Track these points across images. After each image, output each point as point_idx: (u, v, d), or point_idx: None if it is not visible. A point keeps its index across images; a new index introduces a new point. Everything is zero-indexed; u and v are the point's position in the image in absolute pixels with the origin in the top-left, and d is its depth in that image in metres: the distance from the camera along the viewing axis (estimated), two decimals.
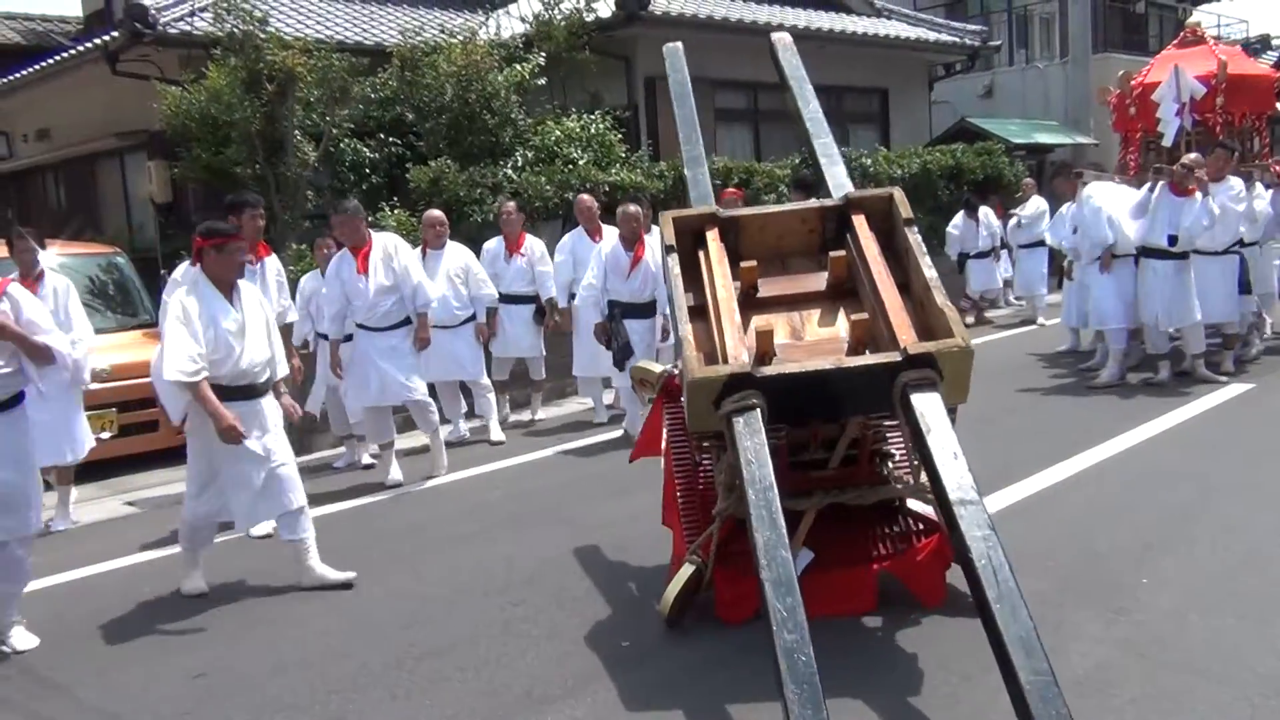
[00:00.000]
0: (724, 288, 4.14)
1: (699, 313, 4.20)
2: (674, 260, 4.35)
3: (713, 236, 4.42)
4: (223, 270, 4.87)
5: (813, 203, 4.76)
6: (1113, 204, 8.73)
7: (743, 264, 4.31)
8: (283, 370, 5.27)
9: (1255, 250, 9.06)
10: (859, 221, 4.39)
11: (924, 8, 20.75)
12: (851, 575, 4.29)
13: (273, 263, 6.38)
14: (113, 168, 14.07)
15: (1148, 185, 8.45)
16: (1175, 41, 10.84)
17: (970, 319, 13.13)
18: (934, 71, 18.29)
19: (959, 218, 13.01)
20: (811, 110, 5.13)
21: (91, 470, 7.65)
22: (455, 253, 8.02)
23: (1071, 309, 9.92)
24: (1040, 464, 6.25)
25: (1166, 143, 9.52)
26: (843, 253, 4.34)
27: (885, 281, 4.07)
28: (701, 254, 4.40)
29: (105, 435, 7.82)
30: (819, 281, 4.40)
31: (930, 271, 4.07)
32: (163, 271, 10.57)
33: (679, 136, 5.25)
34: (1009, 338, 11.85)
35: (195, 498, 4.99)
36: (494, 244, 8.73)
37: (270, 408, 5.05)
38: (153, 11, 11.08)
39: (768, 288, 4.37)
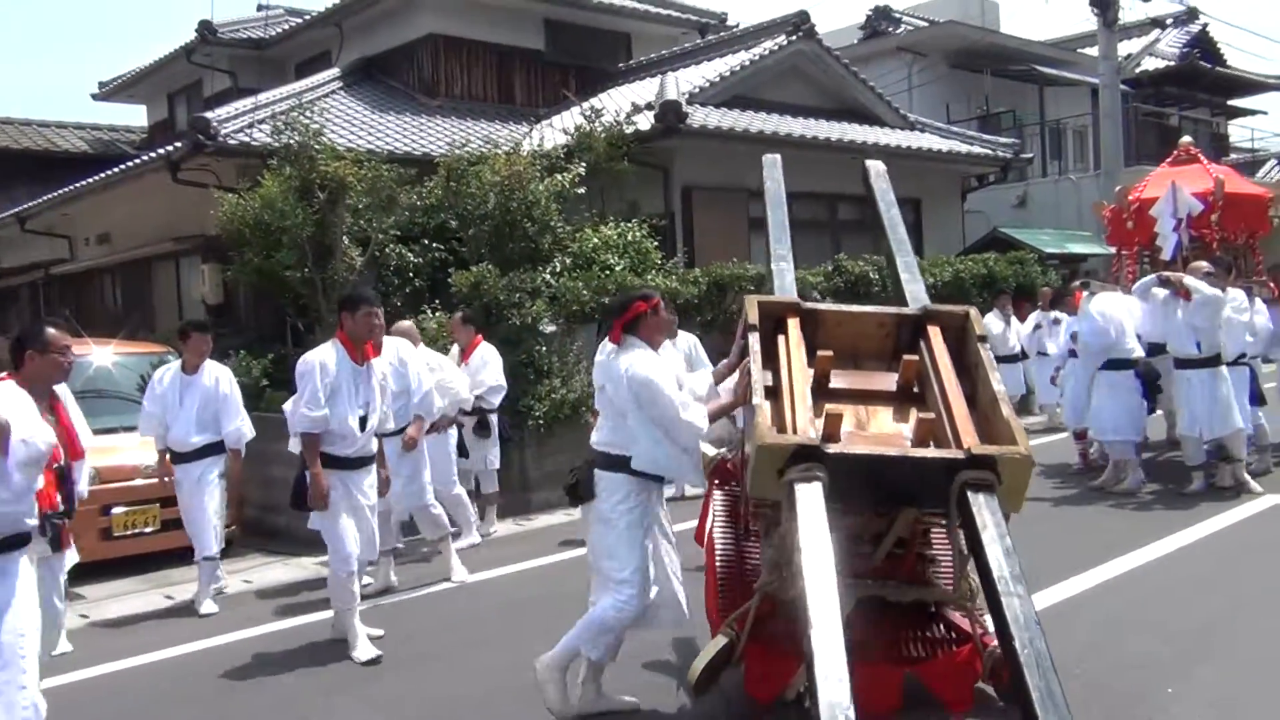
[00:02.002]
0: (799, 372, 4.28)
1: (772, 392, 4.32)
2: (755, 338, 4.49)
3: (794, 324, 4.59)
4: (654, 340, 4.67)
5: (892, 310, 4.92)
6: (1118, 312, 8.90)
7: (819, 353, 4.47)
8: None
9: (1257, 364, 9.20)
10: (934, 332, 4.55)
11: (957, 120, 21.22)
12: (880, 672, 4.32)
13: (379, 365, 6.13)
14: (168, 270, 14.59)
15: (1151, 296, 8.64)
16: (1169, 159, 11.08)
17: None
18: (967, 182, 18.61)
19: (994, 318, 13.08)
20: (898, 234, 5.32)
21: (134, 565, 7.84)
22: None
23: (1069, 415, 10.08)
24: (1070, 570, 6.26)
25: (1165, 256, 9.71)
26: (915, 357, 4.50)
27: (954, 389, 4.19)
28: (781, 338, 4.57)
29: (148, 530, 8.06)
30: (888, 382, 4.53)
31: (998, 386, 4.20)
32: None
33: (769, 238, 5.40)
34: (1040, 445, 11.80)
35: (640, 595, 4.46)
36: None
37: None
38: (214, 124, 11.64)
39: (839, 380, 4.50)
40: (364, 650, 5.52)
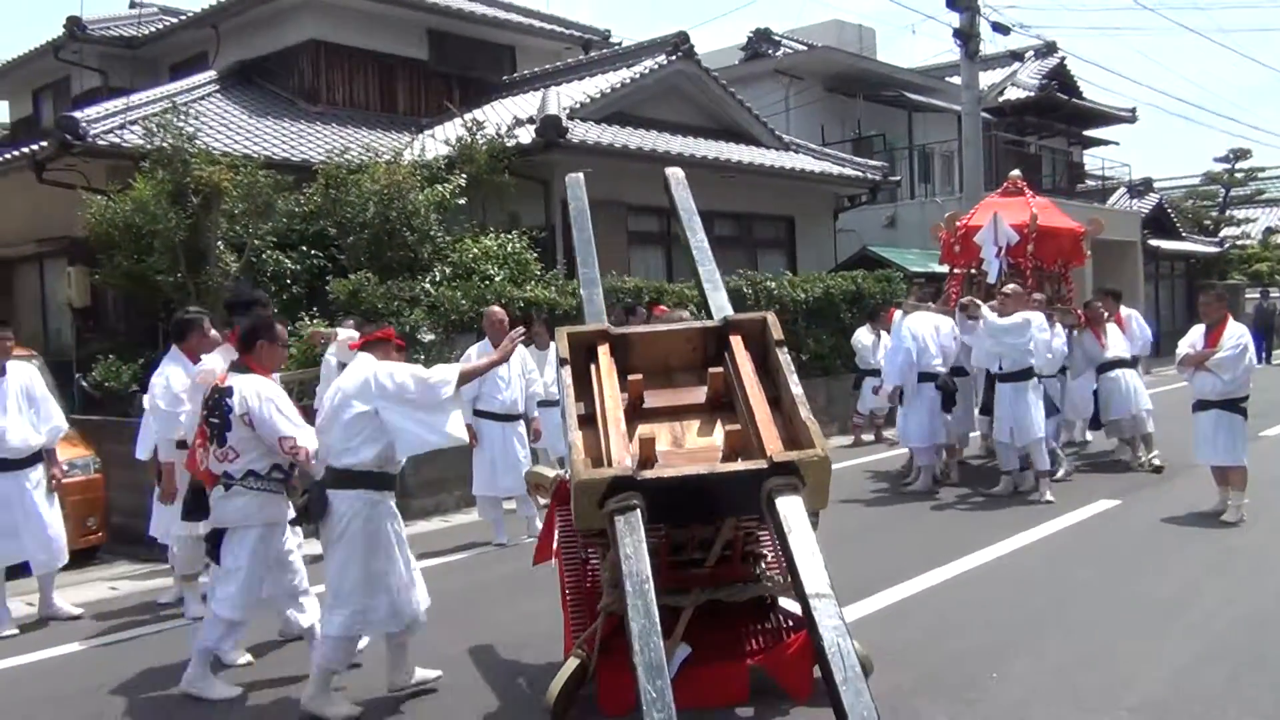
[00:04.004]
0: (612, 398, 4.53)
1: (589, 421, 4.57)
2: (566, 372, 4.74)
3: (604, 351, 4.84)
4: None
5: (696, 324, 5.22)
6: (922, 330, 9.74)
7: (630, 377, 4.73)
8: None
9: (1056, 381, 10.23)
10: (736, 342, 4.85)
11: (831, 143, 21.98)
12: (726, 669, 4.61)
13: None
14: (31, 272, 14.14)
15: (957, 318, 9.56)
16: (1000, 190, 11.93)
17: (870, 436, 13.74)
18: (839, 202, 19.33)
19: (865, 332, 13.63)
20: (698, 240, 5.61)
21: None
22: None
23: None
24: (916, 570, 6.69)
25: (990, 280, 10.51)
26: (720, 369, 4.78)
27: (757, 396, 4.50)
28: (593, 367, 4.80)
29: None
30: (700, 395, 4.82)
31: (797, 389, 4.52)
32: (77, 375, 10.70)
33: (577, 259, 5.64)
34: (901, 455, 12.40)
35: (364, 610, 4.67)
36: None
37: None
38: (83, 123, 11.39)
39: (653, 399, 4.78)
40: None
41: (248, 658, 5.56)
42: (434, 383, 4.61)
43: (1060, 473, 9.75)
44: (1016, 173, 12.03)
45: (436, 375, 4.65)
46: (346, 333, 7.26)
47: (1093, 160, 31.68)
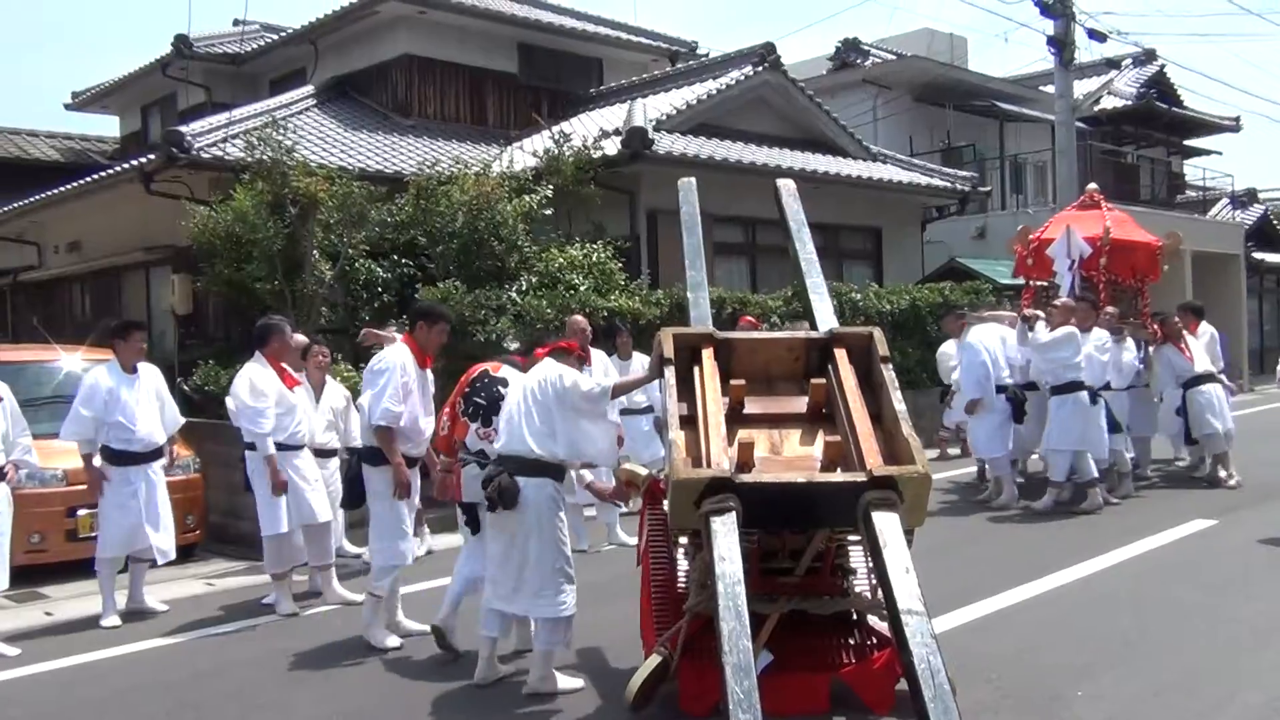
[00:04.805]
0: (713, 401, 4.55)
1: (689, 421, 4.59)
2: (670, 372, 4.77)
3: (708, 355, 4.86)
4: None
5: (800, 334, 5.22)
6: (991, 342, 9.75)
7: (732, 382, 4.76)
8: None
9: (1124, 395, 10.17)
10: (840, 355, 4.84)
11: (920, 153, 21.70)
12: (808, 679, 4.60)
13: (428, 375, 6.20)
14: (138, 280, 14.73)
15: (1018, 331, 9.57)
16: (1076, 203, 11.75)
17: (956, 450, 13.51)
18: (927, 213, 19.08)
19: (953, 346, 13.39)
20: (807, 252, 5.61)
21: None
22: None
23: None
24: (1002, 585, 6.58)
25: (1063, 294, 10.32)
26: (823, 381, 4.78)
27: (859, 410, 4.49)
28: (696, 369, 4.84)
29: None
30: (800, 405, 4.82)
31: (900, 405, 4.50)
32: (178, 379, 11.10)
33: (685, 263, 5.65)
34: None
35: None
36: None
37: None
38: (188, 137, 11.85)
39: (753, 406, 4.78)
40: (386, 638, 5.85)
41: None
42: (596, 395, 4.96)
43: (1048, 499, 9.45)
44: (1093, 186, 11.94)
45: (591, 384, 5.00)
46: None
47: (1194, 171, 30.73)
